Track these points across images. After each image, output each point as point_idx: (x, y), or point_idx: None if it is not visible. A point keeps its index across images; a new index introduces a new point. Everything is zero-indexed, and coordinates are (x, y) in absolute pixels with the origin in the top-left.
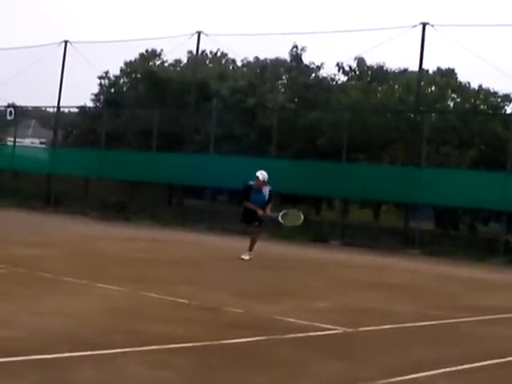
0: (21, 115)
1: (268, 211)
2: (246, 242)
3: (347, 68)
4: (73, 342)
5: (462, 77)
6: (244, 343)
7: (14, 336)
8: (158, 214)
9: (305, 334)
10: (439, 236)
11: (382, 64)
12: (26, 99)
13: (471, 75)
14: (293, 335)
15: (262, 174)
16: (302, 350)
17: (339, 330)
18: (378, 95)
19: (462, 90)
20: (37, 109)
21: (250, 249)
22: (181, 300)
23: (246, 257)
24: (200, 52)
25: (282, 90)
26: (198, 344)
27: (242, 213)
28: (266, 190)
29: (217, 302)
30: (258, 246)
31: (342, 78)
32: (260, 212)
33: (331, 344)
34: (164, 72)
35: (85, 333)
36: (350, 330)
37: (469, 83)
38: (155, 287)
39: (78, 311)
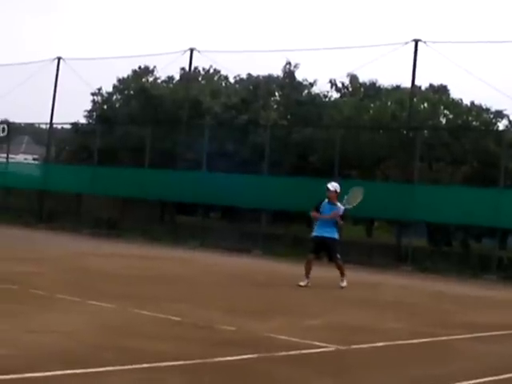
0: (14, 132)
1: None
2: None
3: (340, 85)
4: (64, 359)
5: (455, 93)
6: (236, 361)
7: (4, 354)
8: (150, 230)
9: (297, 352)
10: (432, 253)
11: (374, 81)
12: (19, 116)
13: (463, 92)
14: (285, 353)
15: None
16: (295, 368)
17: (332, 347)
18: (371, 112)
19: (455, 106)
20: (30, 125)
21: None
22: (173, 317)
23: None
24: (193, 69)
25: (275, 106)
26: (189, 362)
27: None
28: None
29: (209, 320)
30: (251, 262)
31: (335, 95)
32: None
33: (324, 362)
34: (156, 89)
35: (76, 350)
36: (342, 348)
37: (461, 100)
38: (147, 304)
39: (69, 329)
